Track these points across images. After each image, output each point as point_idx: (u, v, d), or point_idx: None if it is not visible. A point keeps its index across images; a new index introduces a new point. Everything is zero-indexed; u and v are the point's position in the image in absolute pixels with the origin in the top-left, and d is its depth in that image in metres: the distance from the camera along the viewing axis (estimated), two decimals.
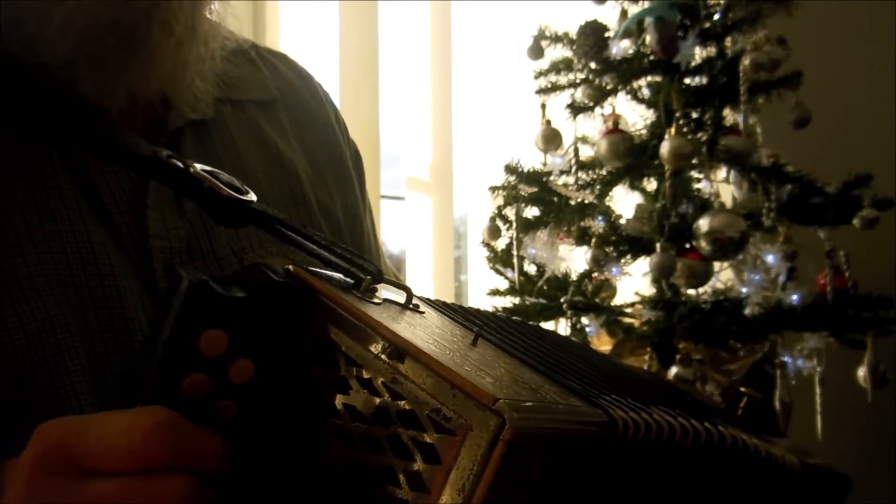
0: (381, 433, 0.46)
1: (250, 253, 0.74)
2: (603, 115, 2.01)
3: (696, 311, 1.85)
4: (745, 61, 1.85)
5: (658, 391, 0.72)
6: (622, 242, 1.89)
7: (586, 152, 2.07)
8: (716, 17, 1.98)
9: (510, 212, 2.04)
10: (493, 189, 2.07)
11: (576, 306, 1.95)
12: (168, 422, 0.47)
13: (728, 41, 2.01)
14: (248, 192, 0.63)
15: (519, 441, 0.42)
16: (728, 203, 1.96)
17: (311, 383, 0.50)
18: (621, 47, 1.99)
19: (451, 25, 2.72)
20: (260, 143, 0.82)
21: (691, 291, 1.93)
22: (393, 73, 2.49)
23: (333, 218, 0.85)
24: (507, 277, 2.13)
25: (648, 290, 2.07)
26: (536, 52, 2.09)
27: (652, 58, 1.96)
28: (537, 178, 2.02)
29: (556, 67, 2.07)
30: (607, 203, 1.96)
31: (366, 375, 0.47)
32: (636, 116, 2.07)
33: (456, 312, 0.60)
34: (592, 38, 1.99)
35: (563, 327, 2.01)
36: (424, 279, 2.63)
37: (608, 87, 2.00)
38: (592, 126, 2.06)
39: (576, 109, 2.01)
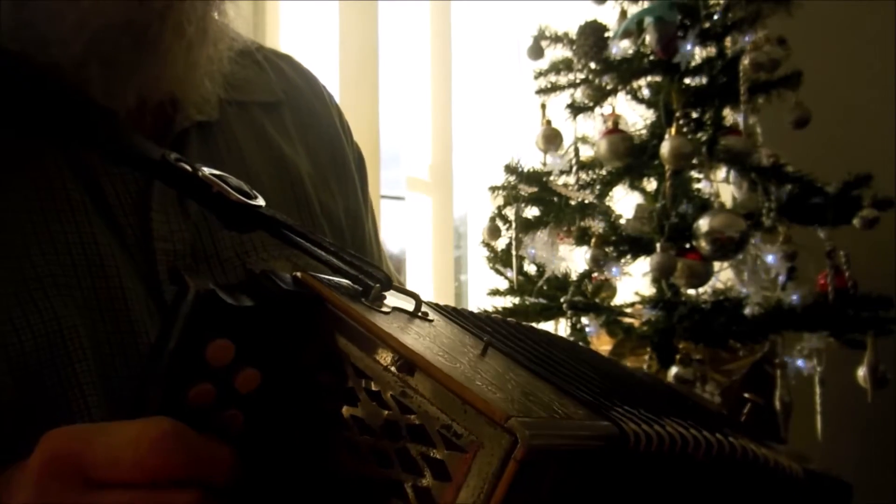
0: (389, 447, 0.45)
1: (254, 256, 0.74)
2: (603, 115, 2.01)
3: (696, 311, 1.85)
4: (745, 61, 1.85)
5: (664, 398, 0.72)
6: (622, 242, 1.89)
7: (586, 152, 2.07)
8: (716, 17, 1.97)
9: (510, 212, 2.03)
10: (493, 189, 2.07)
11: (576, 306, 1.94)
12: (175, 433, 0.47)
13: (728, 41, 2.01)
14: (256, 197, 0.62)
15: (531, 459, 0.41)
16: (728, 203, 1.96)
17: (319, 394, 0.49)
18: (621, 47, 1.99)
19: (451, 25, 2.72)
20: (264, 145, 0.82)
21: (691, 291, 1.93)
22: (393, 73, 2.48)
23: (335, 220, 0.85)
24: (506, 277, 2.13)
25: (648, 290, 2.07)
26: (536, 52, 2.09)
27: (652, 58, 1.95)
28: (537, 178, 2.02)
29: (556, 67, 2.07)
30: (607, 203, 1.96)
31: (374, 388, 0.47)
32: (636, 116, 2.07)
33: (465, 319, 0.60)
34: (592, 38, 1.99)
35: (563, 327, 2.01)
36: (424, 279, 2.63)
37: (608, 87, 2.00)
38: (592, 126, 2.06)
39: (576, 109, 2.01)
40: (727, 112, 2.00)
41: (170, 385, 0.48)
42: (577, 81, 2.02)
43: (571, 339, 1.94)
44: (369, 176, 0.99)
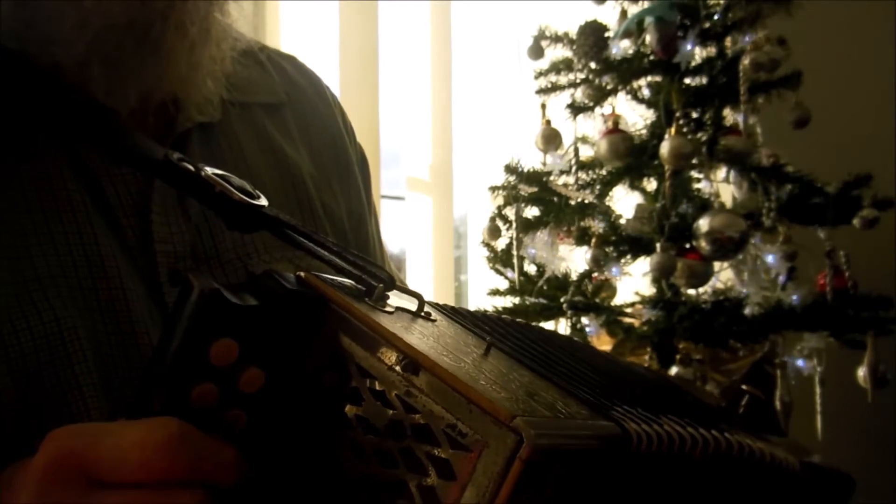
0: (394, 446, 0.45)
1: (255, 258, 0.74)
2: (603, 115, 2.01)
3: (696, 311, 1.85)
4: (745, 61, 1.85)
5: (662, 393, 0.72)
6: (622, 242, 1.89)
7: (586, 152, 2.07)
8: (716, 17, 1.97)
9: (510, 212, 2.03)
10: (493, 189, 2.07)
11: (576, 306, 1.95)
12: (181, 434, 0.46)
13: (728, 41, 2.01)
14: (259, 197, 0.62)
15: (536, 459, 0.41)
16: (728, 203, 1.96)
17: (323, 393, 0.49)
18: (621, 47, 1.99)
19: (451, 25, 2.72)
20: (266, 146, 0.82)
21: (691, 291, 1.93)
22: (393, 73, 2.48)
23: (337, 221, 0.85)
24: (507, 277, 2.13)
25: (648, 290, 2.07)
26: (536, 52, 2.09)
27: (652, 58, 1.96)
28: (537, 178, 2.02)
29: (556, 67, 2.07)
30: (607, 203, 1.96)
31: (379, 387, 0.47)
32: (636, 116, 2.07)
33: (466, 319, 0.60)
34: (592, 38, 1.99)
35: (563, 327, 2.01)
36: (424, 279, 2.62)
37: (608, 87, 2.00)
38: (592, 126, 2.06)
39: (576, 109, 2.01)
40: (727, 112, 2.01)
41: (173, 384, 0.48)
42: (577, 81, 2.03)
43: None
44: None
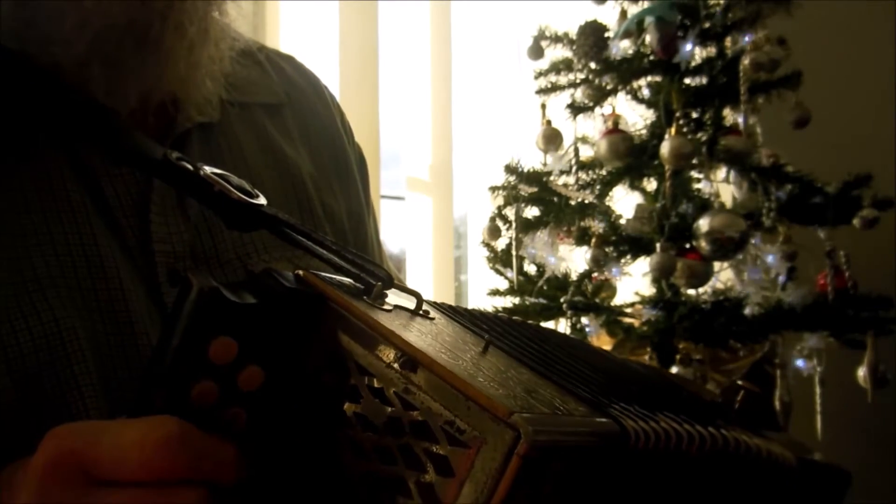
0: (392, 443, 0.45)
1: (255, 257, 0.74)
2: (603, 115, 2.01)
3: (696, 311, 1.85)
4: (745, 61, 1.85)
5: (659, 390, 0.73)
6: (622, 242, 1.89)
7: (586, 152, 2.07)
8: (716, 17, 1.98)
9: (510, 212, 2.03)
10: (493, 189, 2.07)
11: (576, 306, 1.95)
12: (181, 433, 0.46)
13: (728, 41, 2.01)
14: (258, 196, 0.63)
15: (534, 455, 0.42)
16: (728, 203, 1.96)
17: (322, 391, 0.49)
18: (621, 47, 1.99)
19: (451, 25, 2.72)
20: (265, 146, 0.82)
21: (691, 291, 1.93)
22: (393, 73, 2.48)
23: (337, 221, 0.85)
24: (507, 277, 2.13)
25: (648, 290, 2.07)
26: (536, 52, 2.09)
27: (652, 58, 1.96)
28: (537, 178, 2.02)
29: (556, 67, 2.07)
30: (607, 203, 1.96)
31: (377, 385, 0.47)
32: (636, 116, 2.07)
33: (465, 317, 0.60)
34: (592, 38, 1.99)
35: (563, 327, 2.01)
36: (424, 279, 2.62)
37: (608, 87, 2.00)
38: (592, 126, 2.06)
39: (576, 109, 2.01)
40: (727, 112, 2.01)
41: (173, 383, 0.48)
42: (577, 81, 2.03)
43: None
44: (369, 176, 0.99)
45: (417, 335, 0.48)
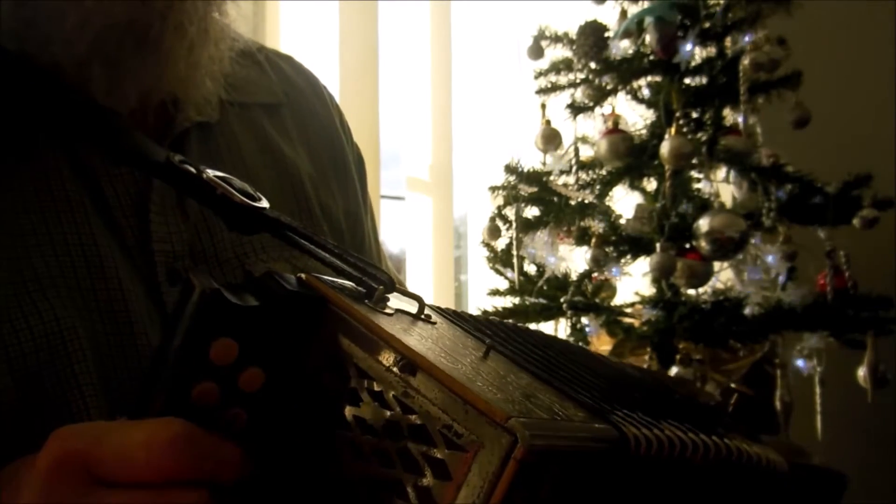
0: (391, 447, 0.45)
1: (253, 258, 0.74)
2: (603, 115, 2.01)
3: (696, 311, 1.85)
4: (745, 61, 1.85)
5: (659, 398, 0.72)
6: (622, 242, 1.89)
7: (586, 152, 2.07)
8: (716, 17, 1.98)
9: (510, 212, 2.03)
10: (493, 189, 2.07)
11: (576, 306, 1.95)
12: (186, 434, 0.47)
13: (728, 41, 2.01)
14: (260, 199, 0.63)
15: (531, 460, 0.42)
16: (728, 203, 1.96)
17: (322, 394, 0.50)
18: (621, 47, 1.99)
19: (451, 25, 2.72)
20: (264, 146, 0.82)
21: (691, 291, 1.93)
22: (393, 73, 2.48)
23: (335, 221, 0.85)
24: (507, 277, 2.13)
25: (648, 290, 2.07)
26: (536, 52, 2.09)
27: (652, 58, 1.96)
28: (537, 178, 2.02)
29: (556, 67, 2.07)
30: (607, 203, 1.96)
31: (377, 388, 0.47)
32: (636, 116, 2.07)
33: (466, 322, 0.60)
34: (592, 38, 1.99)
35: (563, 327, 2.01)
36: (424, 279, 2.62)
37: (608, 87, 2.00)
38: (592, 126, 2.06)
39: (576, 109, 2.01)
40: (727, 112, 2.01)
41: (174, 383, 0.48)
42: (577, 81, 2.03)
43: (571, 339, 1.94)
44: (369, 176, 0.99)
45: (418, 339, 0.49)
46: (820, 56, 2.36)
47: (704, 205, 1.90)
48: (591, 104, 2.01)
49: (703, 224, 1.72)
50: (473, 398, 0.43)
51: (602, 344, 2.00)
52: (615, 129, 1.93)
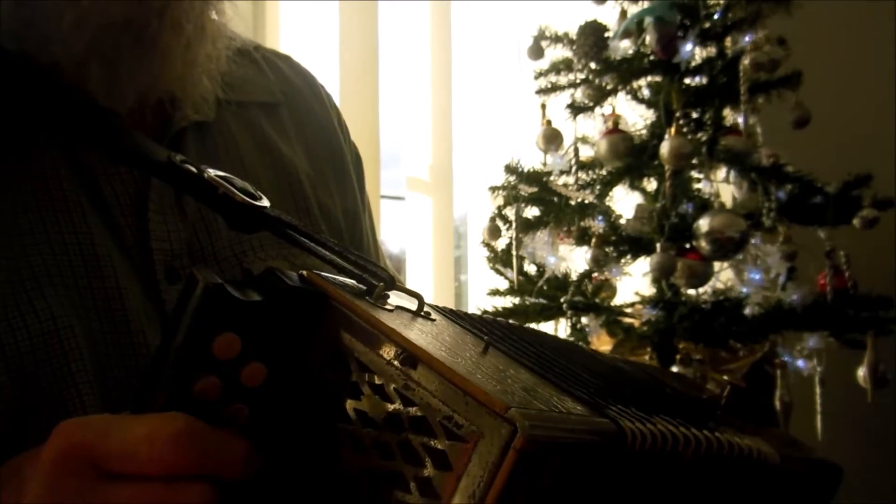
0: (392, 439, 0.46)
1: (251, 256, 0.74)
2: (603, 115, 2.01)
3: (696, 311, 1.86)
4: (745, 61, 1.85)
5: (653, 393, 0.73)
6: (622, 242, 1.90)
7: (586, 152, 2.07)
8: (716, 17, 1.98)
9: (510, 212, 2.04)
10: (493, 189, 2.07)
11: (576, 306, 1.95)
12: (190, 429, 0.47)
13: (728, 41, 2.01)
14: (261, 198, 0.63)
15: (530, 449, 0.42)
16: (728, 203, 1.96)
17: (323, 388, 0.50)
18: (621, 47, 1.99)
19: (451, 25, 2.72)
20: (262, 145, 0.82)
21: (691, 291, 1.93)
22: (393, 73, 2.49)
23: (333, 220, 0.86)
24: (507, 277, 2.13)
25: (648, 290, 2.07)
26: (536, 52, 2.09)
27: (652, 58, 1.96)
28: (537, 178, 2.02)
29: (556, 67, 2.07)
30: (607, 203, 1.96)
31: (378, 381, 0.47)
32: (636, 116, 2.08)
33: (465, 320, 0.60)
34: (592, 38, 1.99)
35: (563, 327, 2.02)
36: (424, 279, 2.63)
37: (608, 87, 2.00)
38: (592, 126, 2.07)
39: (576, 109, 2.01)
40: (727, 112, 2.01)
41: (176, 378, 0.48)
42: (577, 81, 2.03)
43: (571, 339, 1.95)
44: (369, 176, 0.99)
45: (418, 334, 0.49)
46: (820, 56, 2.37)
47: (704, 205, 1.91)
48: (591, 104, 2.01)
49: (703, 224, 1.72)
50: (473, 389, 0.43)
51: (602, 344, 2.00)
52: (615, 130, 1.93)
